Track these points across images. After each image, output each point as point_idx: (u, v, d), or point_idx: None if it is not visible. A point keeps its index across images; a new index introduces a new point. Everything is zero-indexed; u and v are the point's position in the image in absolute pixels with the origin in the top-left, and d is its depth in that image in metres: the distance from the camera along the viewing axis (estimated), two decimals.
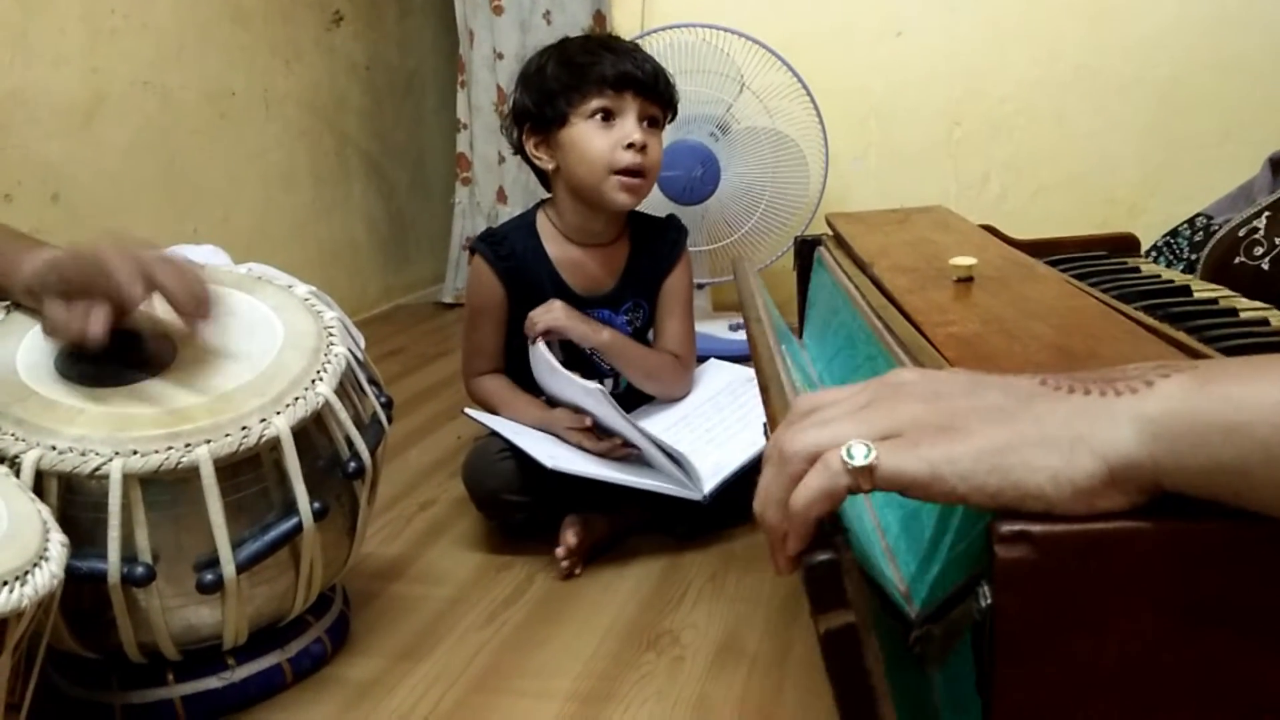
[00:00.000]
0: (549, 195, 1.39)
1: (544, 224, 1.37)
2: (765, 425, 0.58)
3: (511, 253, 1.34)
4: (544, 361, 1.26)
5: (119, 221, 1.84)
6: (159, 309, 0.88)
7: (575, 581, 1.16)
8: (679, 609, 1.09)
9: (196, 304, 0.85)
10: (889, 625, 0.51)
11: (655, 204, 1.90)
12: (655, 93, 1.30)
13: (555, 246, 1.36)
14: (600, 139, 1.27)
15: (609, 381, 1.38)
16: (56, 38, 1.72)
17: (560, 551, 1.16)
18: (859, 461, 0.40)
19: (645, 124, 1.30)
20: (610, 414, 1.19)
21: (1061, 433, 0.40)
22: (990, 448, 0.40)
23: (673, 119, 1.39)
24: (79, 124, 1.78)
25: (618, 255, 1.38)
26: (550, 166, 1.33)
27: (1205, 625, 0.40)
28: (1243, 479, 0.38)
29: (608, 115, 1.28)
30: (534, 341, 1.29)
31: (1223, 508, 0.39)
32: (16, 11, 1.64)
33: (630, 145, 1.27)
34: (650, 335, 1.43)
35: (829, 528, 0.42)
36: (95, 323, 0.82)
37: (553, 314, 1.29)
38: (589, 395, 1.19)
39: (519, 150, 1.37)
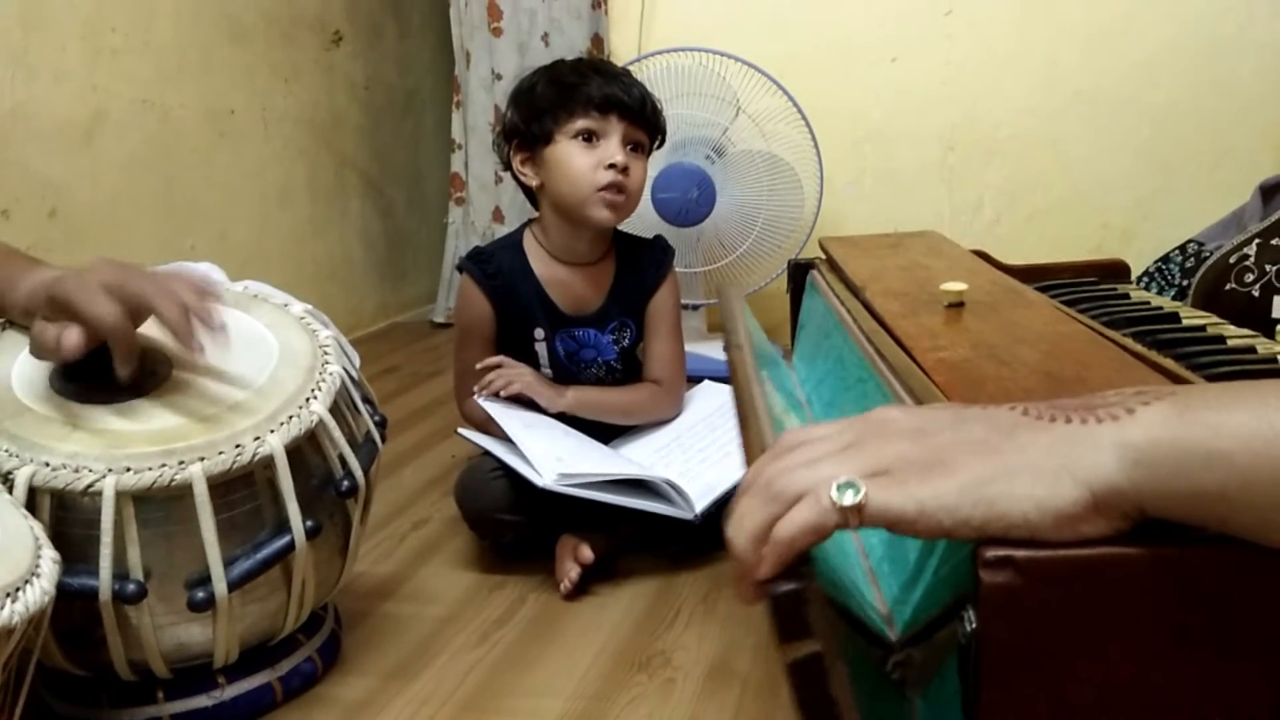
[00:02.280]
0: (537, 214, 1.40)
1: (531, 243, 1.38)
2: (742, 452, 0.59)
3: (499, 271, 1.35)
4: (514, 420, 1.25)
5: (117, 238, 1.85)
6: (153, 328, 0.88)
7: (567, 602, 1.16)
8: (671, 630, 1.09)
9: (188, 324, 0.83)
10: (865, 651, 0.52)
11: (650, 226, 1.91)
12: (641, 117, 1.31)
13: (542, 265, 1.37)
14: (582, 159, 1.29)
15: None
16: (57, 55, 1.73)
17: (575, 574, 1.16)
18: (849, 500, 0.41)
19: (629, 148, 1.31)
20: (587, 473, 1.18)
21: (1045, 462, 0.41)
22: (974, 480, 0.41)
23: (660, 146, 1.40)
24: (78, 141, 1.78)
25: (604, 275, 1.39)
26: (535, 183, 1.35)
27: (1190, 649, 0.41)
28: (1223, 505, 0.38)
29: (592, 136, 1.29)
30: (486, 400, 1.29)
31: (1206, 533, 0.40)
32: (17, 29, 1.65)
33: (612, 166, 1.28)
34: (640, 354, 1.44)
35: (794, 558, 0.42)
36: (67, 338, 0.82)
37: (524, 378, 1.30)
38: (557, 466, 1.17)
39: (507, 166, 1.38)
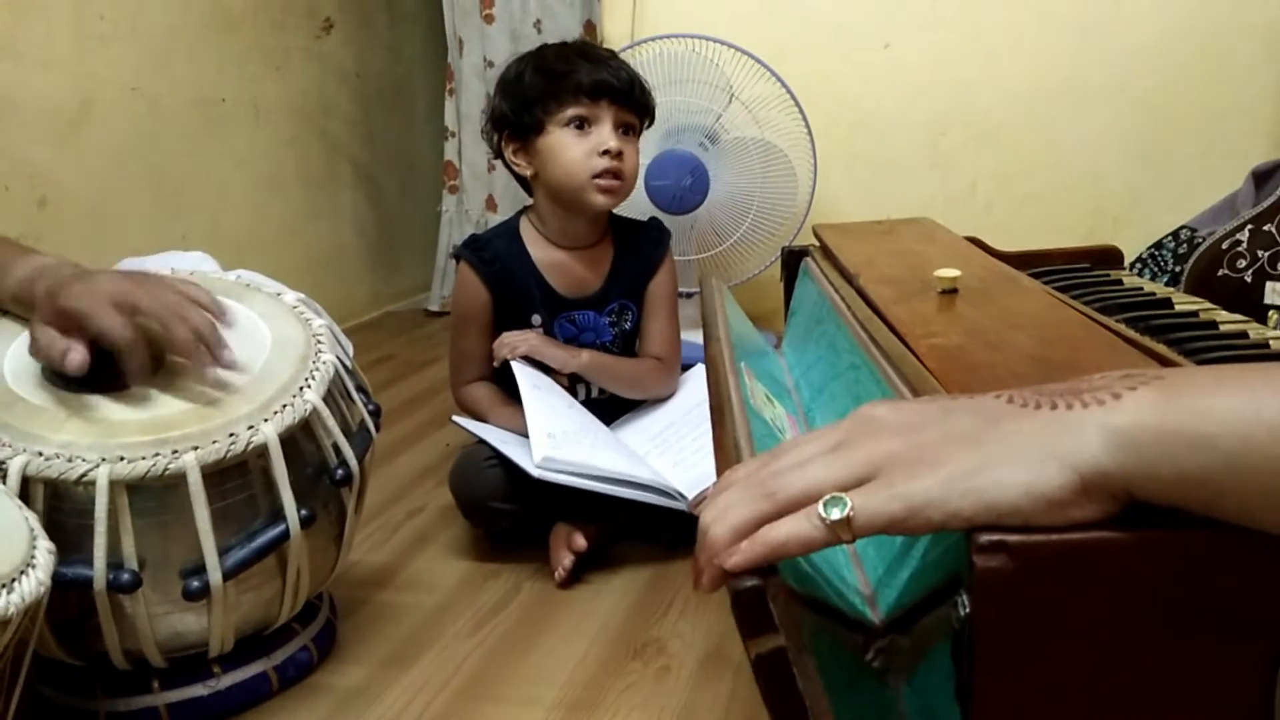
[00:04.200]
0: (532, 202, 1.40)
1: (527, 229, 1.39)
2: (714, 445, 0.59)
3: (496, 257, 1.35)
4: (528, 378, 1.26)
5: (107, 227, 1.84)
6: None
7: (562, 590, 1.16)
8: (665, 618, 1.09)
9: (196, 345, 0.85)
10: (842, 640, 0.52)
11: (643, 213, 1.90)
12: (631, 100, 1.32)
13: (539, 250, 1.37)
14: (576, 147, 1.29)
15: (594, 388, 1.39)
16: (45, 43, 1.72)
17: (569, 562, 1.16)
18: (836, 516, 0.41)
19: (621, 131, 1.31)
20: (578, 455, 1.18)
21: (1031, 448, 0.41)
22: (960, 472, 0.41)
23: (650, 125, 1.41)
24: (67, 129, 1.77)
25: (602, 257, 1.39)
26: (529, 173, 1.35)
27: (1180, 632, 0.41)
28: (1209, 490, 0.38)
29: (584, 123, 1.30)
30: (509, 359, 1.30)
31: (1196, 517, 0.40)
32: (4, 15, 1.64)
33: (606, 152, 1.28)
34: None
35: (776, 562, 0.42)
36: (74, 358, 0.82)
37: (529, 340, 1.31)
38: (550, 448, 1.17)
39: (499, 155, 1.38)
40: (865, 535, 0.42)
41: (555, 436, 1.17)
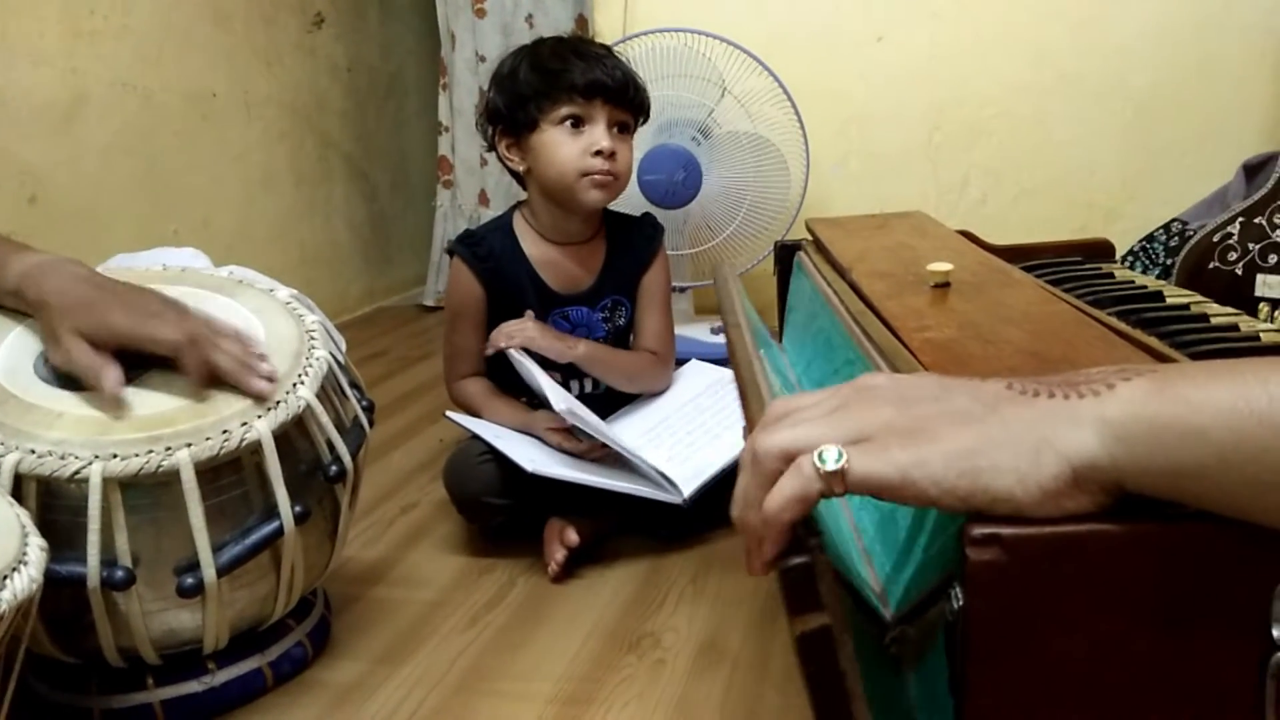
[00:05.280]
0: (525, 197, 1.40)
1: (521, 224, 1.38)
2: (745, 429, 0.59)
3: (490, 253, 1.35)
4: (522, 367, 1.27)
5: (98, 224, 1.83)
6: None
7: (557, 584, 1.16)
8: (660, 611, 1.10)
9: (250, 382, 0.87)
10: (864, 627, 0.52)
11: (636, 208, 1.90)
12: (625, 99, 1.31)
13: (533, 246, 1.37)
14: (569, 145, 1.29)
15: (588, 383, 1.39)
16: (35, 39, 1.71)
17: (561, 557, 1.16)
18: (830, 466, 0.41)
19: (615, 130, 1.31)
20: (589, 421, 1.20)
21: (1026, 435, 0.41)
22: (958, 451, 0.41)
23: (644, 123, 1.40)
24: (58, 125, 1.77)
25: (595, 253, 1.39)
26: (522, 168, 1.35)
27: (1172, 624, 0.41)
28: (1199, 481, 0.39)
29: (577, 122, 1.29)
30: (503, 349, 1.30)
31: (1188, 509, 0.40)
32: None
33: (599, 152, 1.28)
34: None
35: (804, 531, 0.42)
36: (112, 371, 0.83)
37: (526, 331, 1.30)
38: (567, 401, 1.19)
39: (492, 148, 1.38)
40: (858, 492, 0.42)
41: (570, 399, 1.18)
